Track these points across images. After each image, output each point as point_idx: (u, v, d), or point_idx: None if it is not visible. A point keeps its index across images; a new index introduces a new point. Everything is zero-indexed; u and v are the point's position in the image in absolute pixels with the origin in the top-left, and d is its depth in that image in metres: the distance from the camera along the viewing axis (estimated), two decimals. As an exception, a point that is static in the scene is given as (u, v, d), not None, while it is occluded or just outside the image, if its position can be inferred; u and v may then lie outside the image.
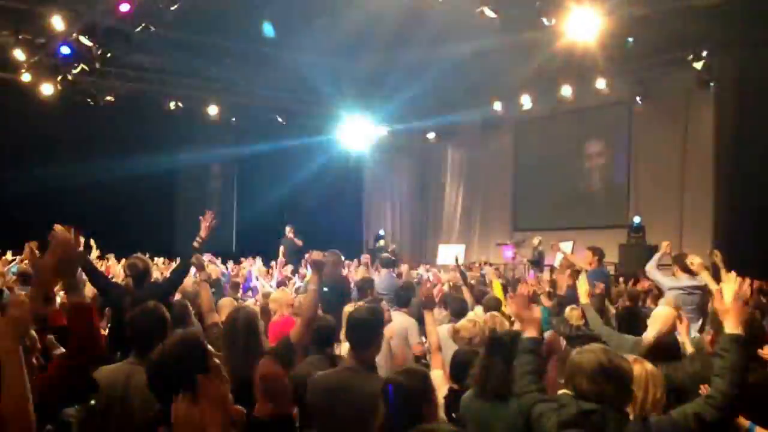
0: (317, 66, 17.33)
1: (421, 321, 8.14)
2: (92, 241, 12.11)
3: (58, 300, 7.39)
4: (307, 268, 14.04)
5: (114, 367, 4.16)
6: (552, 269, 15.12)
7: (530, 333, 3.77)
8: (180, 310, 6.12)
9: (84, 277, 6.86)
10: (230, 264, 15.98)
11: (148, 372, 2.98)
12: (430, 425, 2.99)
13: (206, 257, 14.33)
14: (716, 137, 15.76)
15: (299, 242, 17.03)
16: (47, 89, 15.63)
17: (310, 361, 4.84)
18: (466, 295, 9.13)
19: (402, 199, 24.34)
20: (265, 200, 23.04)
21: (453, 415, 4.56)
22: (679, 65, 15.99)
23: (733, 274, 6.70)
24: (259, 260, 14.95)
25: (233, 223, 25.52)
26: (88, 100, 17.66)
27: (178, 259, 7.28)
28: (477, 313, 8.33)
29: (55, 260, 3.18)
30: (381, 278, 9.95)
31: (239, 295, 11.06)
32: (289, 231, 17.19)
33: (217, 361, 2.96)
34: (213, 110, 19.27)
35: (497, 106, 19.61)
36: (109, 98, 17.80)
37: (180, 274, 6.75)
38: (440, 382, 4.86)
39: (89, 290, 9.35)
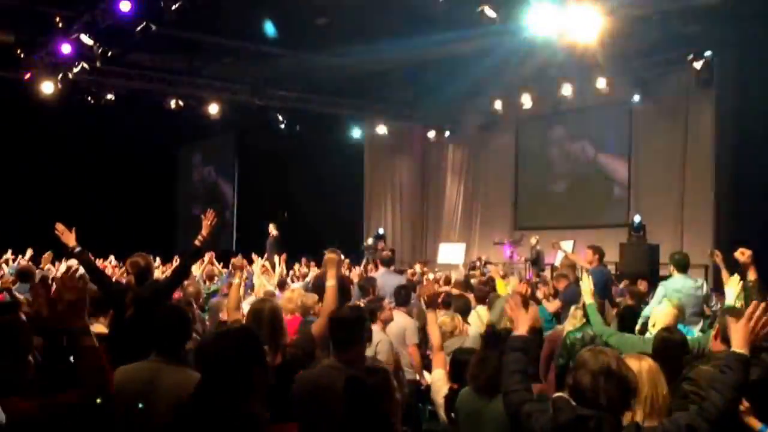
0: (318, 64, 17.33)
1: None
2: (72, 231, 12.06)
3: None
4: (309, 268, 14.09)
5: (135, 366, 4.13)
6: (553, 268, 15.15)
7: (521, 331, 3.77)
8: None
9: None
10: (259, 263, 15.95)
11: (202, 359, 3.01)
12: None
13: (207, 257, 14.40)
14: (716, 136, 15.79)
15: (274, 233, 17.01)
16: (48, 88, 15.59)
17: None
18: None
19: (402, 197, 24.31)
20: (265, 199, 23.06)
21: (453, 414, 4.58)
22: (679, 64, 15.98)
23: (736, 277, 6.74)
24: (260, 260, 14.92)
25: (233, 221, 25.56)
26: (89, 98, 17.65)
27: (177, 259, 7.30)
28: (480, 313, 8.36)
29: (64, 306, 3.13)
30: (380, 276, 9.91)
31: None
32: (272, 229, 17.19)
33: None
34: (213, 108, 19.24)
35: (498, 104, 19.63)
36: (109, 97, 17.78)
37: (181, 272, 6.73)
38: (442, 381, 4.90)
39: (90, 288, 9.41)
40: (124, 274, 11.67)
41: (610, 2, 12.11)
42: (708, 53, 15.19)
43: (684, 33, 14.55)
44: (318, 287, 8.75)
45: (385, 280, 9.49)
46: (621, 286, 10.97)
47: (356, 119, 22.12)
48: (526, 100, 18.74)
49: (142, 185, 23.53)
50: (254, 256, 15.41)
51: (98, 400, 2.91)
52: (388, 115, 22.06)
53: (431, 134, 22.80)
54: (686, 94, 16.51)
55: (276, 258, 13.51)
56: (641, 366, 3.65)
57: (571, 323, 7.48)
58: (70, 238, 6.51)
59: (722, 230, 15.25)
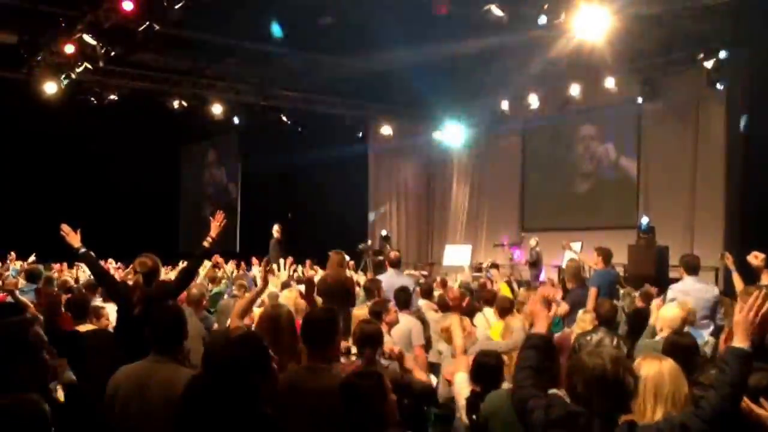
0: (322, 65, 17.24)
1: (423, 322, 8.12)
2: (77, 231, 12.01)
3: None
4: (315, 270, 13.97)
5: (132, 366, 4.19)
6: (560, 270, 15.01)
7: (540, 329, 3.72)
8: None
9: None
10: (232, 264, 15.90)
11: (207, 371, 3.07)
12: None
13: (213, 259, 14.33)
14: (727, 137, 15.62)
15: (277, 235, 16.95)
16: (51, 88, 15.53)
17: None
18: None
19: (408, 199, 24.19)
20: (269, 199, 22.99)
21: (474, 417, 4.59)
22: (689, 64, 15.80)
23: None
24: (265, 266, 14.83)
25: (237, 222, 25.48)
26: (92, 99, 17.55)
27: (184, 261, 7.29)
28: (487, 315, 8.27)
29: None
30: (387, 278, 9.82)
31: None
32: (276, 230, 17.08)
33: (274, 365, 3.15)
34: (217, 109, 19.14)
35: (504, 105, 19.49)
36: (112, 97, 17.69)
37: (189, 273, 6.73)
38: (464, 384, 4.93)
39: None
40: (128, 276, 11.66)
41: (618, 1, 11.98)
42: (719, 52, 15.01)
43: (694, 32, 14.46)
44: (322, 290, 8.69)
45: (392, 282, 9.42)
46: (621, 291, 10.80)
47: (361, 120, 22.00)
48: (534, 101, 18.62)
49: (144, 186, 23.46)
50: (254, 260, 15.41)
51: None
52: (394, 115, 21.94)
53: (437, 135, 22.68)
54: (696, 94, 16.32)
55: (281, 261, 13.43)
56: (662, 366, 3.59)
57: (579, 326, 7.43)
58: (75, 239, 6.50)
59: (733, 232, 15.10)
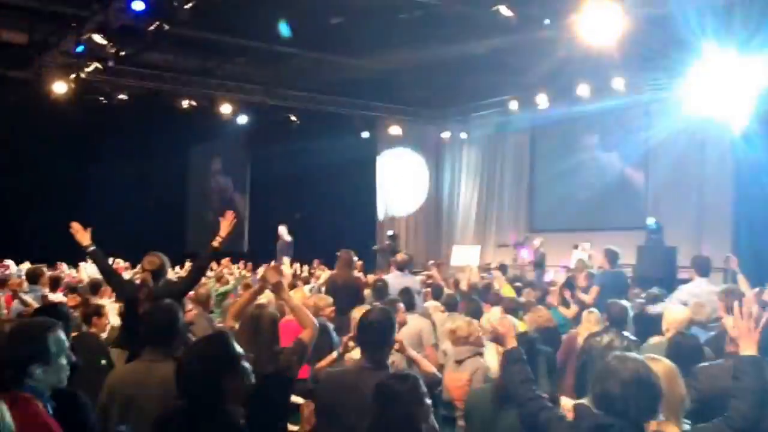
0: (331, 64, 17.24)
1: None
2: (88, 230, 12.05)
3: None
4: (323, 270, 14.00)
5: (128, 367, 4.28)
6: (568, 269, 14.98)
7: (510, 344, 3.84)
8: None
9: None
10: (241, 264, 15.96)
11: (176, 369, 3.06)
12: None
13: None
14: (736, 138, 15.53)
15: (288, 238, 16.96)
16: (60, 88, 15.56)
17: None
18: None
19: (416, 198, 24.17)
20: (277, 199, 22.98)
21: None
22: (697, 64, 15.71)
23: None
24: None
25: (245, 222, 25.48)
26: (102, 98, 17.60)
27: (189, 262, 7.32)
28: (494, 315, 8.26)
29: None
30: (393, 279, 9.82)
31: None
32: (283, 231, 17.09)
33: (246, 364, 3.13)
34: (226, 109, 19.17)
35: (513, 105, 19.46)
36: (122, 97, 17.73)
37: (198, 272, 6.75)
38: None
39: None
40: (136, 275, 11.70)
41: (627, 1, 11.94)
42: (726, 52, 14.91)
43: (702, 31, 14.35)
44: (330, 289, 8.71)
45: (397, 283, 9.43)
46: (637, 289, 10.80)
47: (370, 120, 22.00)
48: (542, 101, 18.57)
49: (153, 186, 23.47)
50: (264, 266, 15.45)
51: None
52: (402, 115, 21.92)
53: (445, 135, 22.67)
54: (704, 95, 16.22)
55: (287, 260, 13.49)
56: (657, 368, 3.51)
57: (585, 327, 7.42)
58: (84, 237, 6.57)
59: (741, 233, 15.04)
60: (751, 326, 3.38)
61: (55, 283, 10.05)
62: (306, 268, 16.03)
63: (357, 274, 11.54)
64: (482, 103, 20.44)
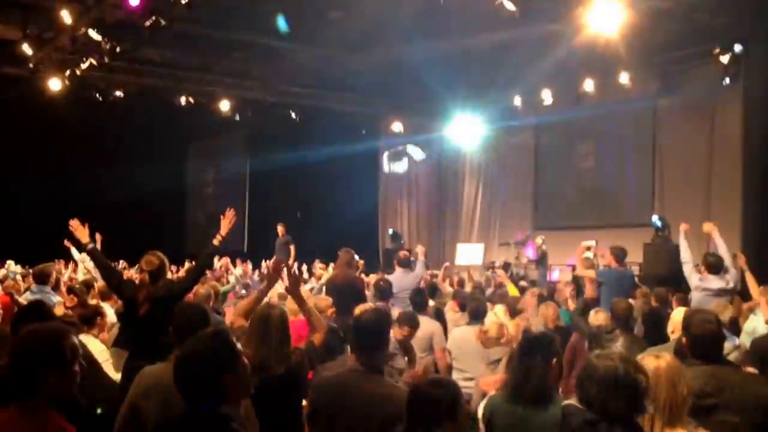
0: (331, 60, 17.05)
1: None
2: (98, 236, 11.89)
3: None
4: (324, 270, 13.80)
5: (160, 367, 4.14)
6: (574, 268, 14.80)
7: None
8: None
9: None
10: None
11: (174, 369, 3.02)
12: None
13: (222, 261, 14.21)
14: (744, 134, 15.32)
15: (284, 237, 16.81)
16: (55, 84, 15.38)
17: None
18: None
19: (419, 196, 24.00)
20: (276, 197, 22.83)
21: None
22: (705, 59, 15.51)
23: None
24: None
25: (244, 220, 25.32)
26: (97, 95, 17.39)
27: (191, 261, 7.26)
28: (498, 315, 8.14)
29: None
30: (396, 278, 9.68)
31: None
32: (281, 230, 16.91)
33: (245, 360, 3.08)
34: (225, 106, 18.95)
35: (517, 101, 19.26)
36: (118, 93, 17.51)
37: (198, 272, 6.73)
38: None
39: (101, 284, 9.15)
40: (134, 274, 11.47)
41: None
42: (735, 47, 14.74)
43: (710, 26, 14.22)
44: (331, 289, 8.57)
45: (401, 281, 9.37)
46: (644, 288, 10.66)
47: (371, 116, 21.81)
48: (547, 96, 18.38)
49: (151, 184, 23.30)
50: (264, 264, 15.28)
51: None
52: (404, 111, 21.73)
53: (448, 131, 22.48)
54: (713, 89, 16.02)
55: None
56: (659, 365, 3.43)
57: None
58: (83, 235, 6.58)
59: (750, 231, 14.84)
60: None
61: (56, 284, 9.86)
62: (305, 267, 15.86)
63: (358, 273, 11.38)
64: (486, 98, 20.22)
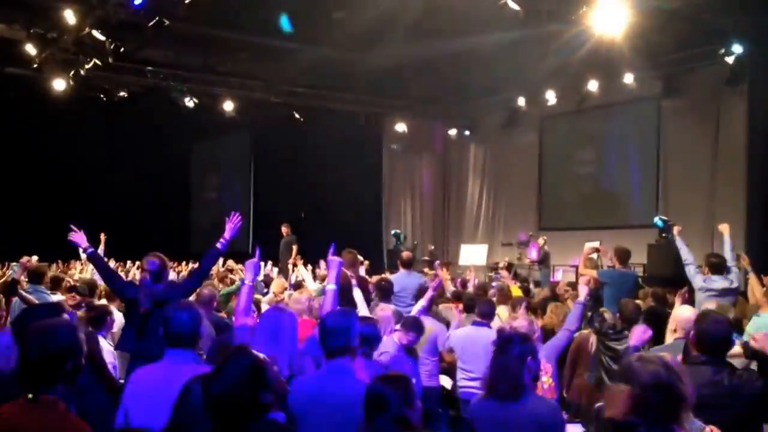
0: (335, 60, 17.02)
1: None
2: (102, 236, 11.92)
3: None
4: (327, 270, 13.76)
5: (152, 368, 4.14)
6: (577, 269, 14.77)
7: None
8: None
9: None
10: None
11: (209, 392, 2.99)
12: None
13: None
14: (748, 135, 15.28)
15: (287, 238, 16.79)
16: (59, 85, 15.39)
17: None
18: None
19: (423, 197, 23.97)
20: (281, 197, 22.80)
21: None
22: (709, 59, 15.52)
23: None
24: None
25: (249, 221, 25.29)
26: (101, 95, 17.41)
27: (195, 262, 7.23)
28: (501, 315, 8.13)
29: None
30: (400, 278, 9.66)
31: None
32: (285, 230, 16.88)
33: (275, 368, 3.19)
34: (228, 106, 18.95)
35: (521, 101, 19.23)
36: (122, 94, 17.53)
37: (201, 274, 6.71)
38: None
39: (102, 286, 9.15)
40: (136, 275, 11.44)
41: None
42: (740, 48, 14.71)
43: (714, 27, 14.18)
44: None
45: (404, 282, 9.33)
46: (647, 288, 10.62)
47: (375, 116, 21.78)
48: (551, 97, 18.36)
49: (155, 184, 23.33)
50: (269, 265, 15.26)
51: None
52: (408, 112, 21.71)
53: (452, 132, 22.46)
54: (717, 90, 16.02)
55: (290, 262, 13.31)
56: None
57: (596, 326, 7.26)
58: (81, 239, 6.55)
59: (754, 232, 14.80)
60: None
61: (55, 283, 9.83)
62: (310, 267, 15.80)
63: (362, 274, 11.36)
64: (489, 99, 20.20)
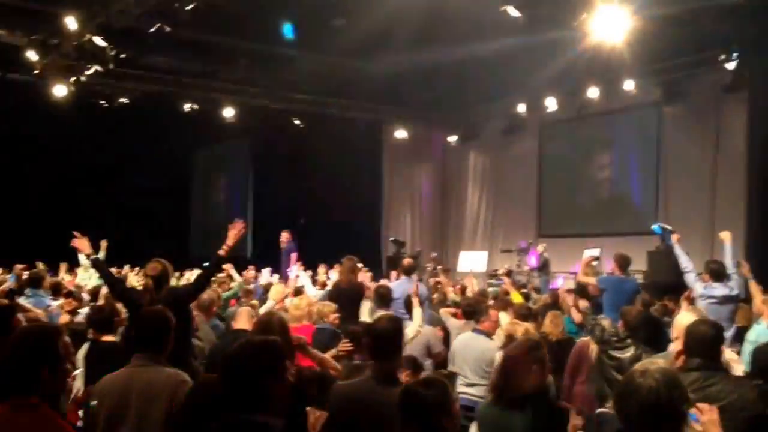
0: (335, 67, 17.04)
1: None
2: (103, 243, 11.92)
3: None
4: (328, 275, 13.76)
5: (117, 374, 4.23)
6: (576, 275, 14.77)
7: None
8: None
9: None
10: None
11: (221, 370, 3.09)
12: None
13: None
14: (748, 141, 15.29)
15: (286, 244, 16.74)
16: (60, 91, 15.37)
17: None
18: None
19: (422, 204, 23.96)
20: (281, 204, 22.80)
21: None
22: (709, 66, 15.58)
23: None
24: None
25: (249, 226, 25.28)
26: (102, 102, 17.41)
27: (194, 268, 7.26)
28: (502, 321, 8.13)
29: None
30: (399, 285, 9.67)
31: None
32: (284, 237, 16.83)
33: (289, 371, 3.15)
34: (229, 112, 18.96)
35: (521, 108, 19.25)
36: (123, 100, 17.53)
37: (204, 280, 6.68)
38: None
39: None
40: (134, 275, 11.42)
41: (637, 2, 11.73)
42: (740, 54, 14.73)
43: (715, 33, 14.19)
44: (335, 296, 8.55)
45: (404, 289, 9.33)
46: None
47: (375, 123, 21.79)
48: (551, 103, 18.38)
49: (156, 191, 23.34)
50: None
51: None
52: (408, 119, 21.71)
53: (452, 139, 22.47)
54: (717, 97, 16.06)
55: (294, 267, 13.25)
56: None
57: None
58: (85, 246, 6.67)
59: (754, 238, 14.79)
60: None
61: (55, 289, 9.83)
62: (310, 273, 15.78)
63: (362, 280, 11.36)
64: (489, 105, 20.22)
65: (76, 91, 15.63)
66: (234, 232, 6.57)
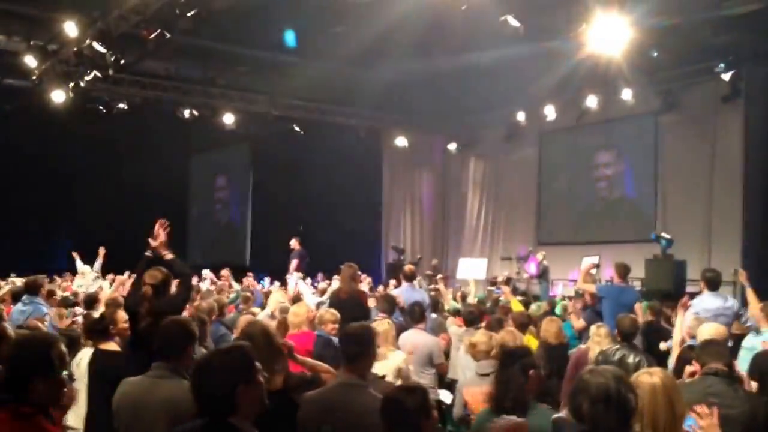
0: (335, 75, 17.06)
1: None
2: (101, 251, 11.90)
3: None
4: (327, 284, 13.78)
5: (137, 381, 4.16)
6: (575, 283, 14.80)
7: None
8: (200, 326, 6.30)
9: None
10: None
11: (192, 376, 3.09)
12: None
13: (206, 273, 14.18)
14: (745, 150, 15.40)
15: (294, 247, 16.72)
16: (59, 96, 15.36)
17: None
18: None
19: (422, 211, 23.95)
20: (279, 211, 22.79)
21: None
22: (707, 76, 15.63)
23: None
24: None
25: (247, 234, 25.29)
26: (101, 107, 17.41)
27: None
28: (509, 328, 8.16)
29: None
30: (402, 292, 9.67)
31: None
32: (295, 243, 16.83)
33: (264, 374, 3.15)
34: (229, 119, 18.96)
35: (521, 116, 19.29)
36: (122, 106, 17.53)
37: (188, 288, 6.61)
38: None
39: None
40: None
41: (636, 12, 11.77)
42: (737, 64, 14.80)
43: (712, 44, 14.27)
44: (335, 303, 8.54)
45: (408, 296, 9.32)
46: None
47: (375, 130, 21.80)
48: (550, 112, 18.42)
49: (154, 196, 23.32)
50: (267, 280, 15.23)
51: None
52: (408, 126, 21.71)
53: (452, 146, 22.47)
54: (714, 107, 16.08)
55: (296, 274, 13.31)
56: (654, 382, 3.46)
57: (595, 341, 7.33)
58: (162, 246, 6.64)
59: (751, 247, 14.85)
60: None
61: (49, 296, 9.83)
62: (309, 280, 15.80)
63: (362, 287, 11.36)
64: (489, 113, 20.24)
65: (75, 97, 15.62)
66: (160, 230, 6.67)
